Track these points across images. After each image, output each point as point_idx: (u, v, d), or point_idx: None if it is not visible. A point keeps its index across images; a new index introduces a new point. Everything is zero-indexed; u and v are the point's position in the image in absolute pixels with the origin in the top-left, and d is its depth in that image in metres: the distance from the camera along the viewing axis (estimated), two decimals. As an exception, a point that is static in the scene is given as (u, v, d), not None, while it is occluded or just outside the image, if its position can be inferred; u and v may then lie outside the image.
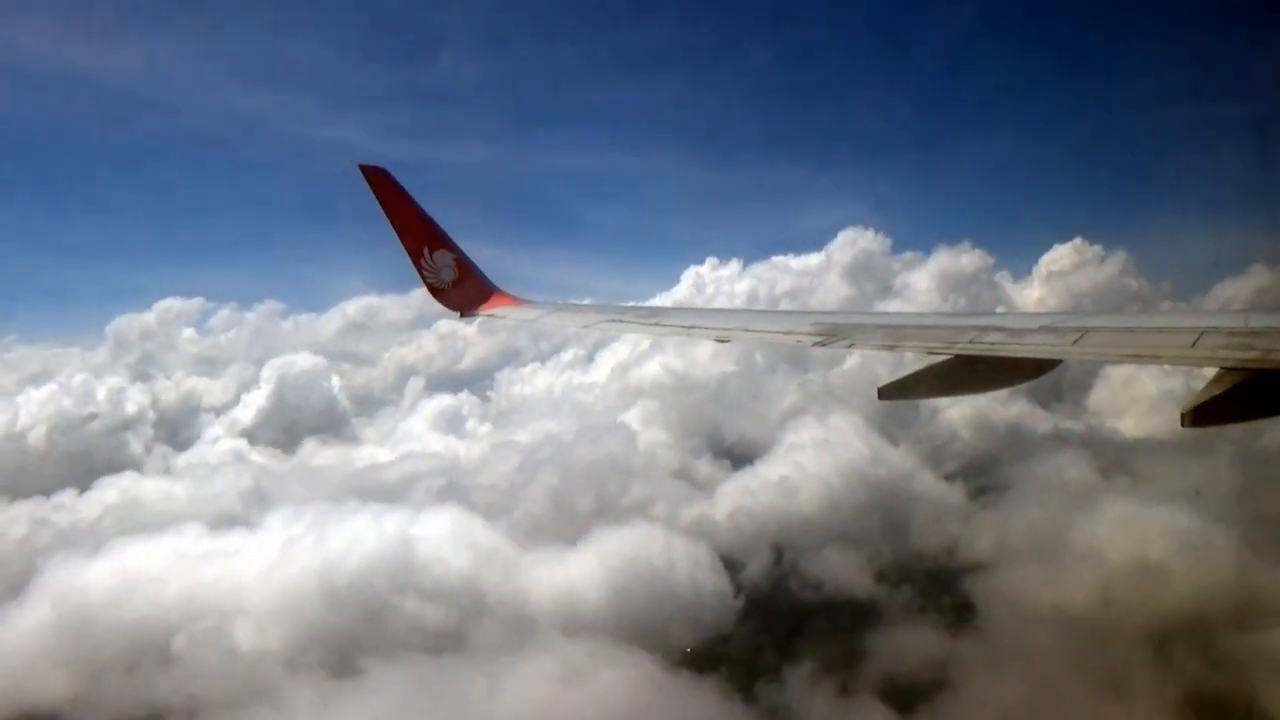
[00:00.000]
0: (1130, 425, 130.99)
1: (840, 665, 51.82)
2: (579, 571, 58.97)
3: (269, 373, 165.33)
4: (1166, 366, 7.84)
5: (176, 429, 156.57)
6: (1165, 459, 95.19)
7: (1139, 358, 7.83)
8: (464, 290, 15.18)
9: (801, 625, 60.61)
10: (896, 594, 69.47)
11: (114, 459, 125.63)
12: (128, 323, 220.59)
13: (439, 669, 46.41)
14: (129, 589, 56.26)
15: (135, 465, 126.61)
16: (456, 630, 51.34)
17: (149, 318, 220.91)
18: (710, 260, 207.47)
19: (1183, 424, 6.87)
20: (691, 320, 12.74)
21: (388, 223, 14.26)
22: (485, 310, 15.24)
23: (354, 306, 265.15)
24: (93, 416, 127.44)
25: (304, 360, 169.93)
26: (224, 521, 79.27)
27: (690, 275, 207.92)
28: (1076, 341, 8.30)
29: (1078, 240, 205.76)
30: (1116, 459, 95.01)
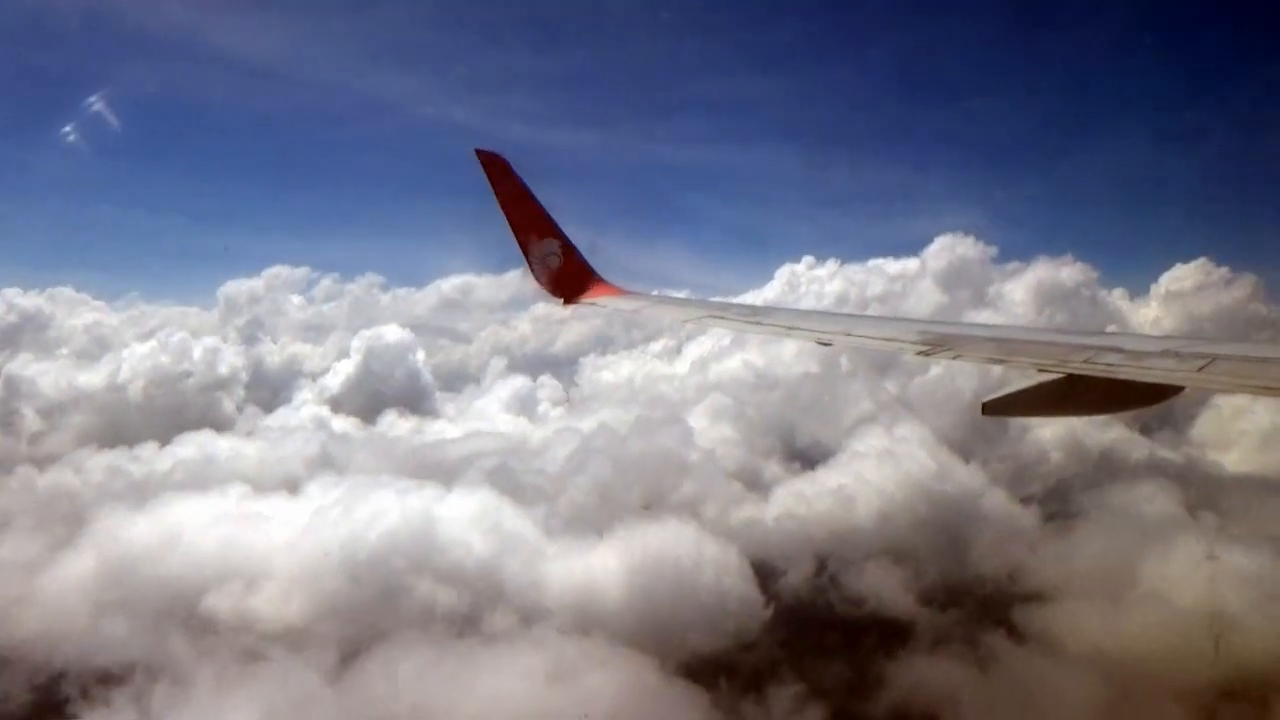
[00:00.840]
0: (1235, 459, 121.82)
1: (851, 689, 49.48)
2: (602, 566, 58.10)
3: (358, 344, 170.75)
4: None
5: (277, 391, 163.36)
6: (1263, 499, 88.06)
7: (1272, 390, 7.26)
8: (569, 278, 15.32)
9: (829, 642, 58.19)
10: (940, 618, 66.08)
11: (206, 416, 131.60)
12: (237, 287, 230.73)
13: (439, 654, 46.43)
14: (167, 545, 58.49)
15: (226, 423, 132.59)
16: (466, 616, 51.30)
17: (258, 283, 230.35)
18: (807, 259, 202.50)
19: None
20: (793, 321, 12.56)
21: (496, 206, 14.39)
22: (588, 299, 15.37)
23: (450, 284, 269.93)
24: (187, 374, 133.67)
25: (391, 333, 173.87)
26: (285, 485, 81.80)
27: (785, 273, 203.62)
28: (1203, 369, 7.72)
29: (1203, 260, 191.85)
30: (1208, 494, 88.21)
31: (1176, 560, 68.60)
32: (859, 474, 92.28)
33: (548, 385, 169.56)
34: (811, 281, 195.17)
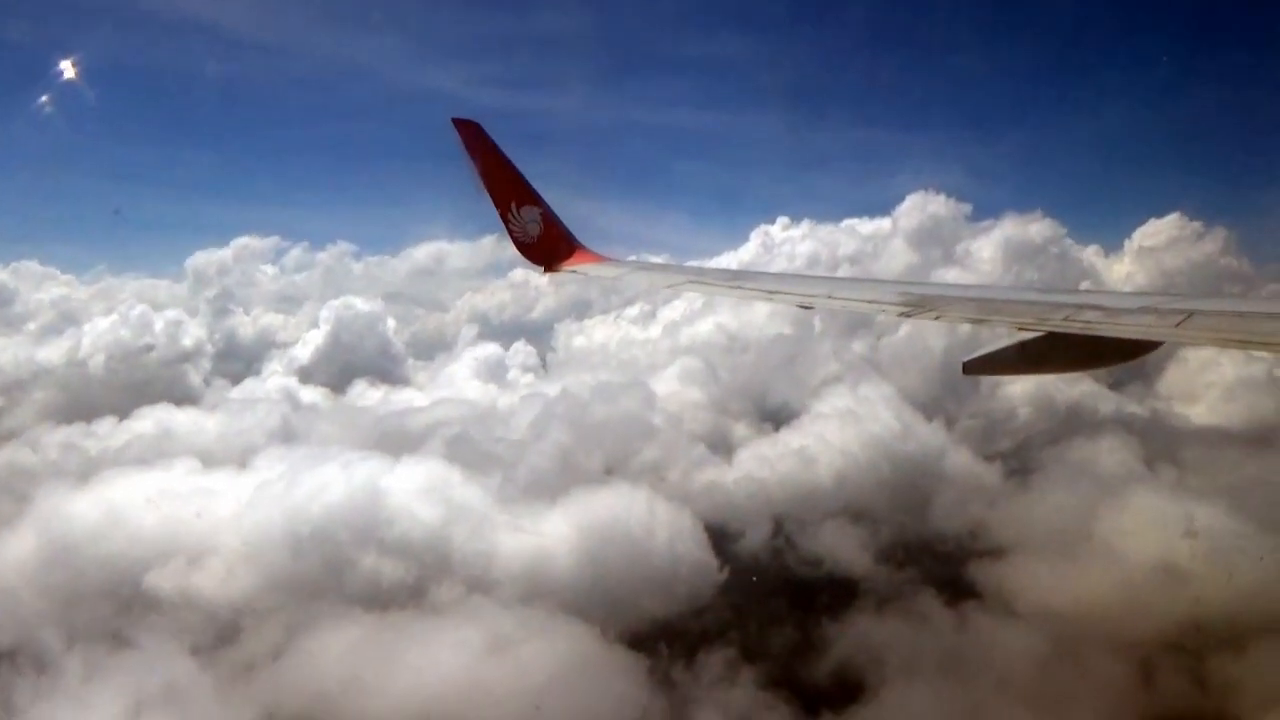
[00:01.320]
0: (1201, 412, 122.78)
1: (796, 650, 49.44)
2: (554, 534, 57.61)
3: (327, 314, 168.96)
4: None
5: (250, 363, 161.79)
6: (1222, 451, 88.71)
7: (1248, 344, 7.36)
8: (549, 246, 15.28)
9: (781, 604, 58.16)
10: (896, 576, 66.23)
11: (171, 390, 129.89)
12: (206, 258, 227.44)
13: (378, 628, 45.99)
14: (111, 522, 57.63)
15: (192, 397, 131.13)
16: (412, 588, 50.81)
17: (226, 254, 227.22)
18: (781, 220, 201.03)
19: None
20: (774, 285, 12.61)
21: (469, 173, 14.30)
22: (569, 266, 15.39)
23: (424, 251, 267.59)
24: (149, 348, 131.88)
25: (361, 303, 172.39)
26: (243, 458, 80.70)
27: (759, 234, 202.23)
28: (1180, 324, 7.77)
29: (1176, 215, 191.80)
30: (1168, 448, 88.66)
31: (1130, 514, 68.96)
32: (821, 435, 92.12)
33: (522, 352, 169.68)
34: (785, 242, 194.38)
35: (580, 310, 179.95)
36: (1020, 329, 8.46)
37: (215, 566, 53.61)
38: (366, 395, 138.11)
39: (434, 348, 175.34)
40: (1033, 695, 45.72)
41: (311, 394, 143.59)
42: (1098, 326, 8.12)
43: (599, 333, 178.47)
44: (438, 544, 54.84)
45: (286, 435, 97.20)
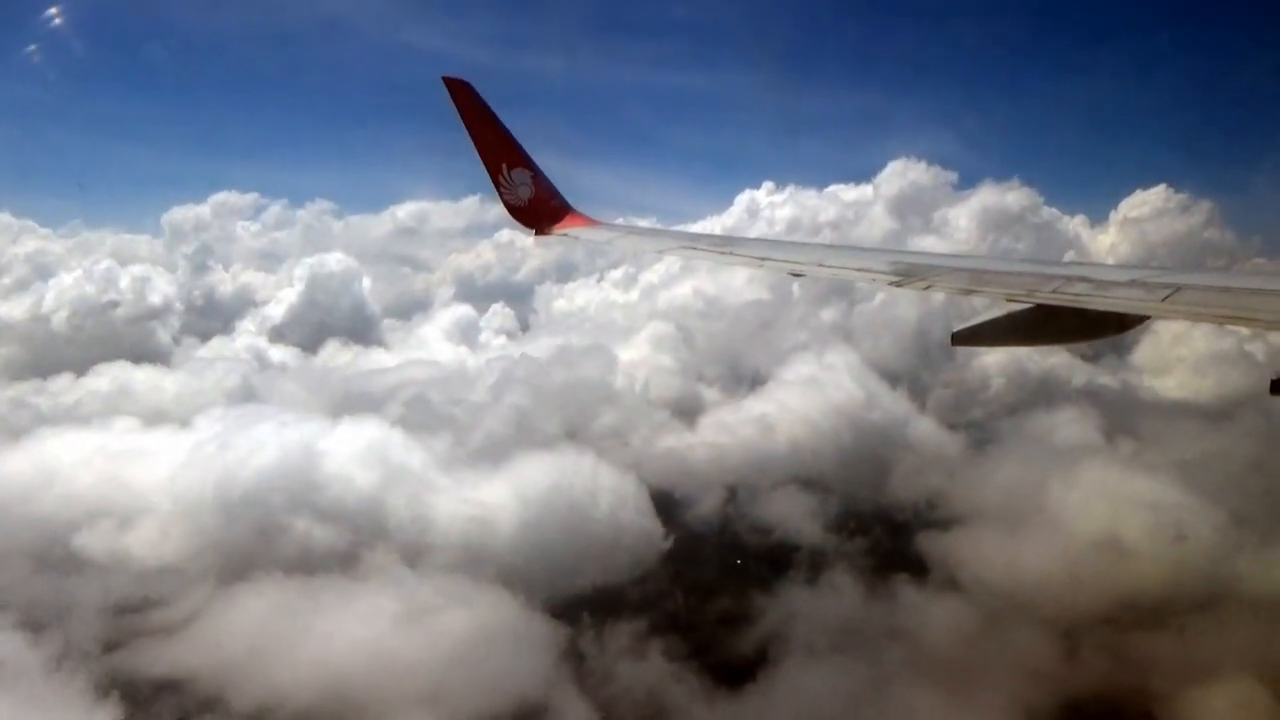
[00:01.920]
0: (1171, 385, 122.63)
1: (726, 620, 48.90)
2: (496, 500, 56.73)
3: (301, 272, 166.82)
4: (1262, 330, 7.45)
5: (229, 320, 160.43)
6: (1182, 425, 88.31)
7: (1234, 319, 7.36)
8: (540, 208, 15.21)
9: (722, 573, 57.65)
10: (846, 546, 65.72)
11: (140, 347, 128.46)
12: (183, 213, 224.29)
13: (299, 594, 45.20)
14: (43, 481, 56.69)
15: (161, 355, 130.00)
16: (343, 554, 49.92)
17: (204, 210, 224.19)
18: (767, 185, 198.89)
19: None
20: (765, 251, 12.59)
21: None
22: (560, 230, 15.28)
23: (405, 210, 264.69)
24: (114, 304, 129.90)
25: (335, 261, 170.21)
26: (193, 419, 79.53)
27: (745, 199, 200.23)
28: (1167, 298, 7.82)
29: (1163, 186, 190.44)
30: (1129, 421, 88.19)
31: (1082, 487, 68.44)
32: (784, 402, 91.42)
33: (500, 314, 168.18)
34: (767, 207, 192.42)
35: (565, 273, 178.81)
36: (1010, 300, 8.51)
37: (145, 528, 52.79)
38: (338, 356, 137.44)
39: (415, 308, 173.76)
40: (950, 669, 45.44)
41: (281, 354, 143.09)
42: (1086, 299, 8.11)
43: (580, 296, 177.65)
44: (373, 509, 53.96)
45: (246, 395, 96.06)
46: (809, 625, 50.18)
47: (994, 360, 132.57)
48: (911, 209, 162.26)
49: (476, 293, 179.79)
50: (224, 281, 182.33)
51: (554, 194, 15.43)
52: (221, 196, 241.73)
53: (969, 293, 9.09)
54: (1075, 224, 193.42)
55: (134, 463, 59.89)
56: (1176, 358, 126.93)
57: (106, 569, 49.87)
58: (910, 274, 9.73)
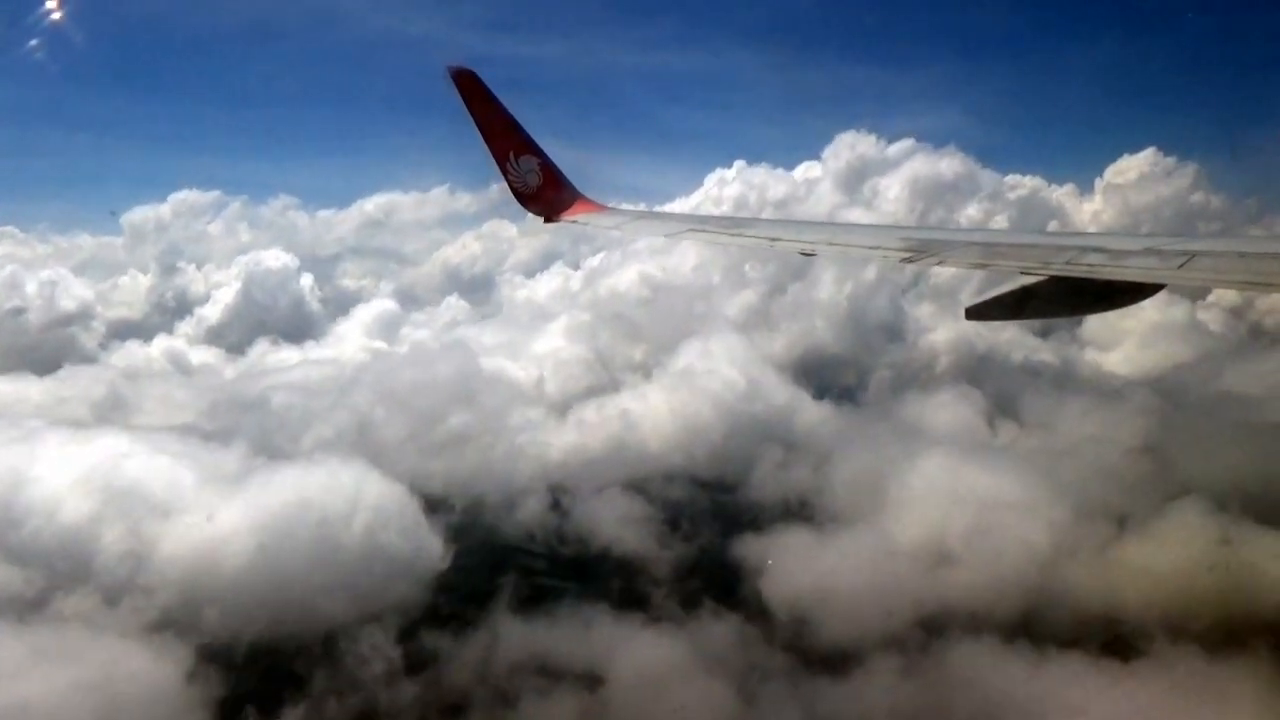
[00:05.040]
0: (1117, 359, 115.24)
1: (437, 657, 43.88)
2: (236, 523, 51.80)
3: (236, 270, 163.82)
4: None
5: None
6: (1089, 404, 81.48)
7: (1251, 285, 7.29)
8: (549, 195, 15.09)
9: (487, 594, 52.42)
10: (664, 555, 60.43)
11: (59, 355, 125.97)
12: (143, 214, 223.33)
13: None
14: None
15: (86, 361, 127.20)
16: (31, 600, 45.04)
17: (164, 209, 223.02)
18: (738, 164, 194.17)
19: None
20: (776, 232, 12.63)
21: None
22: (569, 216, 15.25)
23: (374, 204, 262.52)
24: (20, 311, 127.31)
25: (273, 258, 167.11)
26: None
27: (715, 178, 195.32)
28: (1182, 266, 7.71)
29: (1151, 150, 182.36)
30: (1021, 402, 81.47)
31: (927, 482, 62.05)
32: (659, 395, 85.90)
33: (454, 307, 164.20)
34: (718, 184, 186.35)
35: (549, 262, 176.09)
36: (1024, 273, 8.48)
37: None
38: (267, 357, 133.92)
39: (410, 302, 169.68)
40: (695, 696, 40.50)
41: (205, 355, 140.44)
42: (1101, 270, 8.06)
43: (545, 285, 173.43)
44: (76, 548, 49.01)
45: (113, 405, 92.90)
46: (550, 656, 45.10)
47: (942, 338, 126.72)
48: (858, 182, 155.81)
49: (463, 285, 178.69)
50: (196, 280, 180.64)
51: (562, 180, 15.25)
52: (182, 195, 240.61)
53: (982, 266, 9.11)
54: (1062, 194, 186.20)
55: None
56: (1124, 331, 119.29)
57: None
58: (922, 249, 9.76)
